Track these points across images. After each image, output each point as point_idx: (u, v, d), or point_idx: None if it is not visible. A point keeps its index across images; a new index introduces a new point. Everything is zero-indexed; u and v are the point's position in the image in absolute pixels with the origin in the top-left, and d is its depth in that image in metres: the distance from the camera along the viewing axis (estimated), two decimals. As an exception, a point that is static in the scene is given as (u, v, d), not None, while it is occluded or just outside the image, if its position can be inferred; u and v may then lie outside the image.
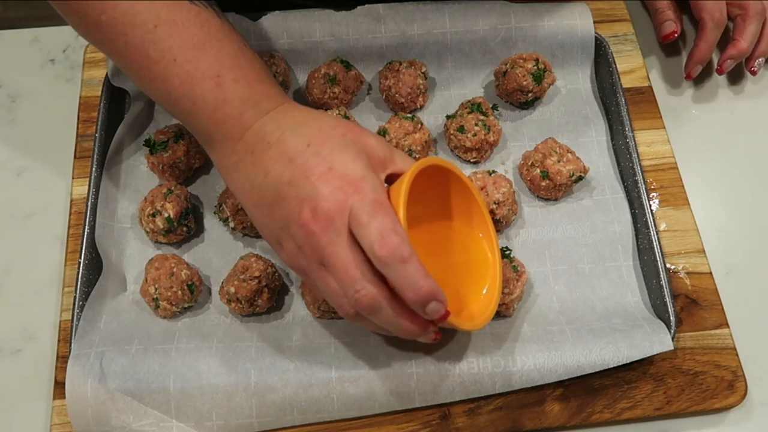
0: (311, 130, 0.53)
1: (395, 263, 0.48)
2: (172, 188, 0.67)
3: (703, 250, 0.69)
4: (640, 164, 0.70)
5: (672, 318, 0.63)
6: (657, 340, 0.60)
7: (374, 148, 0.53)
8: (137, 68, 0.56)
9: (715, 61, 0.81)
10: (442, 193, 0.61)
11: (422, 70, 0.74)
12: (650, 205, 0.68)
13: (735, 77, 0.81)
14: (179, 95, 0.55)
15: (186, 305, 0.64)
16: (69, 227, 0.69)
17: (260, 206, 0.53)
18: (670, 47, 0.83)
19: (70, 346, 0.61)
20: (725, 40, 0.79)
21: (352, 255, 0.49)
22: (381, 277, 0.50)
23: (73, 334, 0.62)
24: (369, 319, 0.52)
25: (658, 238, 0.66)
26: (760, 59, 0.79)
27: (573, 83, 0.78)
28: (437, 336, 0.54)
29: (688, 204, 0.71)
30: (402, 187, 0.51)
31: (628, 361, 0.60)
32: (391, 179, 0.54)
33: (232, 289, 0.62)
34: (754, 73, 0.80)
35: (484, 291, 0.59)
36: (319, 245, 0.50)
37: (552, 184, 0.69)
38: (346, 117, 0.71)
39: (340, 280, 0.50)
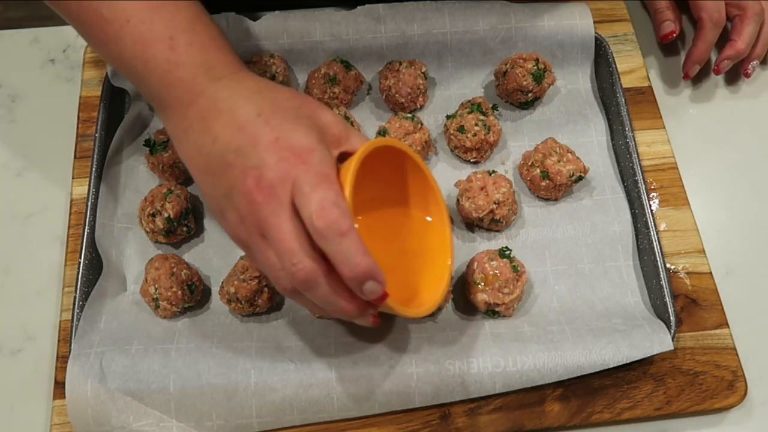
0: (264, 99, 0.52)
1: (333, 236, 0.46)
2: (172, 188, 0.67)
3: (703, 250, 0.69)
4: (640, 164, 0.70)
5: (672, 318, 0.63)
6: (657, 340, 0.60)
7: (329, 124, 0.53)
8: (91, 29, 0.55)
9: (714, 60, 0.81)
10: (401, 179, 0.60)
11: (422, 70, 0.74)
12: (650, 205, 0.68)
13: (735, 77, 0.81)
14: (131, 56, 0.53)
15: (186, 305, 0.64)
16: (69, 227, 0.69)
17: (206, 173, 0.52)
18: (669, 47, 0.83)
19: (70, 346, 0.61)
20: (723, 40, 0.79)
21: (293, 227, 0.48)
22: (321, 253, 0.48)
23: (73, 334, 0.62)
24: (306, 296, 0.50)
25: (658, 238, 0.66)
26: (754, 62, 0.79)
27: (573, 83, 0.78)
28: (375, 320, 0.53)
29: (688, 204, 0.71)
30: (352, 164, 0.50)
31: (628, 361, 0.60)
32: (345, 158, 0.53)
33: (232, 289, 0.62)
34: (747, 75, 0.80)
35: (434, 278, 0.58)
36: (260, 215, 0.48)
37: (552, 184, 0.69)
38: (346, 117, 0.71)
39: (278, 252, 0.48)
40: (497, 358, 0.60)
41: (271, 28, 0.75)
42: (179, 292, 0.63)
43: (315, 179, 0.47)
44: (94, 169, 0.69)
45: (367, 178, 0.53)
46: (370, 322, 0.53)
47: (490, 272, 0.63)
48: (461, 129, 0.71)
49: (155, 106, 0.56)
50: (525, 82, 0.73)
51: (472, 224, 0.70)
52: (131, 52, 0.54)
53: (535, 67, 0.73)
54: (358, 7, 0.76)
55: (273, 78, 0.73)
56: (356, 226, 0.48)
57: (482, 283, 0.63)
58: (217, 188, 0.51)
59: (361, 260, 0.47)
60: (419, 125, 0.71)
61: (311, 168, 0.48)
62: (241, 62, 0.56)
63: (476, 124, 0.70)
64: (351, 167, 0.50)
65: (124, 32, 0.53)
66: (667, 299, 0.63)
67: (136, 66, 0.54)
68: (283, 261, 0.48)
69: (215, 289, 0.66)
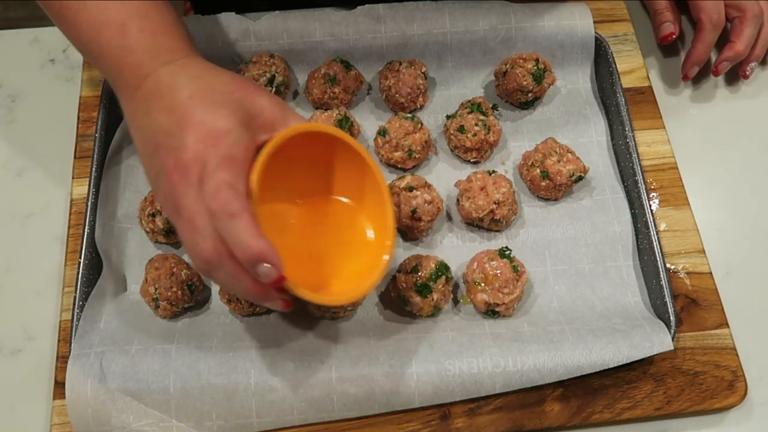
0: (201, 84, 0.53)
1: (224, 217, 0.48)
2: (172, 188, 0.67)
3: (703, 250, 0.69)
4: (640, 164, 0.70)
5: (672, 318, 0.63)
6: (657, 340, 0.60)
7: (262, 108, 0.53)
8: (53, 11, 0.58)
9: (713, 61, 0.81)
10: (344, 168, 0.59)
11: (422, 70, 0.74)
12: (650, 205, 0.68)
13: (735, 77, 0.81)
14: (87, 40, 0.56)
15: (186, 305, 0.64)
16: (69, 227, 0.69)
17: (145, 155, 0.54)
18: (669, 47, 0.83)
19: (70, 346, 0.61)
20: (722, 41, 0.79)
21: (201, 207, 0.49)
22: None
23: (73, 334, 0.62)
24: (213, 275, 0.51)
25: (658, 238, 0.66)
26: (752, 63, 0.79)
27: (573, 83, 0.78)
28: (287, 305, 0.53)
29: (688, 204, 0.71)
30: (266, 148, 0.51)
31: (628, 361, 0.60)
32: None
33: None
34: (746, 77, 0.80)
35: (368, 269, 0.58)
36: (175, 195, 0.50)
37: (552, 184, 0.69)
38: (346, 117, 0.71)
39: (189, 232, 0.50)
40: (497, 358, 0.60)
41: (271, 28, 0.75)
42: (179, 292, 0.63)
43: (220, 161, 0.49)
44: (94, 169, 0.69)
45: (302, 166, 0.53)
46: (281, 307, 0.53)
47: (490, 272, 0.63)
48: (461, 129, 0.71)
49: (114, 90, 0.58)
50: (525, 82, 0.73)
51: (472, 224, 0.70)
52: (87, 36, 0.56)
53: (535, 67, 0.73)
54: (358, 7, 0.76)
55: (273, 78, 0.73)
56: (256, 208, 0.48)
57: (482, 283, 0.63)
58: (152, 169, 0.53)
59: (253, 243, 0.47)
60: (419, 125, 0.71)
61: (220, 150, 0.49)
62: (191, 48, 0.58)
63: (476, 124, 0.71)
64: (264, 151, 0.51)
65: (80, 17, 0.56)
66: (667, 299, 0.63)
67: (92, 50, 0.57)
68: (192, 240, 0.50)
69: (215, 289, 0.66)
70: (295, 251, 0.56)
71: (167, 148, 0.51)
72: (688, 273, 0.68)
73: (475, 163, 0.74)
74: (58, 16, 0.58)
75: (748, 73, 0.79)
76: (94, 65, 0.59)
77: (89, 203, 0.67)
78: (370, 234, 0.60)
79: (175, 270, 0.63)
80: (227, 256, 0.49)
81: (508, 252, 0.65)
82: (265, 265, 0.48)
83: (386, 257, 0.57)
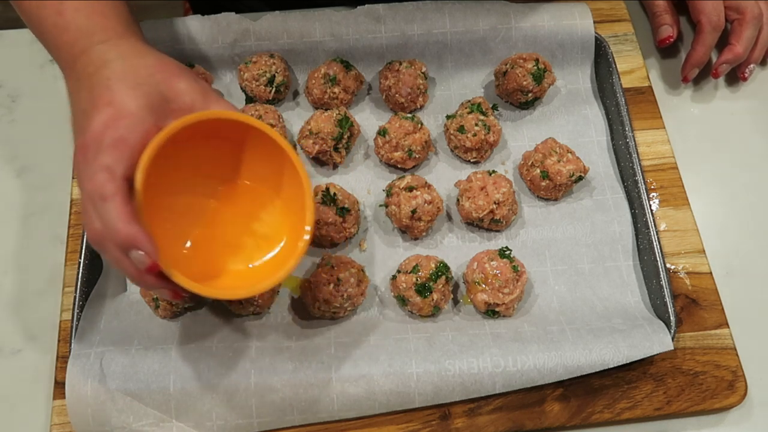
0: (124, 65, 0.54)
1: (96, 200, 0.48)
2: (172, 188, 0.67)
3: (703, 250, 0.69)
4: (640, 164, 0.70)
5: (672, 318, 0.63)
6: (657, 340, 0.60)
7: (180, 93, 0.54)
8: None
9: (713, 62, 0.81)
10: (261, 157, 0.58)
11: (422, 70, 0.74)
12: (650, 205, 0.68)
13: (735, 77, 0.81)
14: (28, 19, 0.59)
15: (186, 305, 0.64)
16: (69, 227, 0.69)
17: (74, 132, 0.56)
18: (670, 47, 0.83)
19: (70, 346, 0.61)
20: (722, 43, 0.79)
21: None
22: None
23: (73, 334, 0.62)
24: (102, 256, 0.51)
25: (658, 238, 0.66)
26: (751, 65, 0.79)
27: (573, 83, 0.78)
28: (175, 295, 0.52)
29: (688, 204, 0.71)
30: (159, 134, 0.50)
31: (628, 361, 0.60)
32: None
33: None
34: (744, 78, 0.80)
35: (277, 264, 0.56)
36: (78, 173, 0.51)
37: (552, 184, 0.69)
38: (346, 117, 0.71)
39: (83, 210, 0.50)
40: (497, 358, 0.60)
41: (271, 28, 0.75)
42: (179, 292, 0.63)
43: (109, 143, 0.49)
44: (94, 169, 0.69)
45: (224, 153, 0.54)
46: (169, 296, 0.53)
47: (490, 272, 0.63)
48: (461, 129, 0.71)
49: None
50: (525, 82, 0.73)
51: (472, 224, 0.70)
52: (28, 15, 0.58)
53: (535, 67, 0.73)
54: (358, 7, 0.76)
55: (273, 78, 0.73)
56: (142, 196, 0.49)
57: (482, 283, 0.63)
58: (75, 148, 0.53)
59: (122, 227, 0.48)
60: (419, 125, 0.71)
61: (115, 132, 0.50)
62: (127, 29, 0.58)
63: (476, 124, 0.70)
64: (155, 138, 0.50)
65: None
66: (667, 299, 0.63)
67: (34, 28, 0.59)
68: (83, 219, 0.51)
69: (215, 289, 0.66)
70: (208, 240, 0.57)
71: (81, 127, 0.52)
72: (688, 273, 0.68)
73: (475, 163, 0.74)
74: None
75: (746, 75, 0.80)
76: (45, 48, 0.60)
77: (89, 203, 0.67)
78: (287, 225, 0.58)
79: (175, 270, 0.63)
80: (108, 238, 0.49)
81: (508, 252, 0.65)
82: (138, 251, 0.48)
83: (297, 254, 0.55)
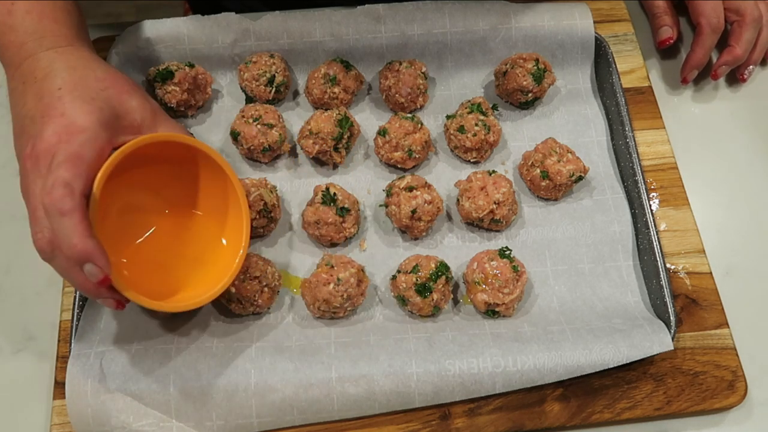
0: (74, 75, 0.54)
1: (54, 214, 0.49)
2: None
3: (703, 250, 0.69)
4: (640, 164, 0.70)
5: (672, 318, 0.63)
6: (657, 340, 0.61)
7: (131, 110, 0.54)
8: None
9: (713, 63, 0.81)
10: (206, 177, 0.61)
11: (422, 70, 0.74)
12: (650, 205, 0.68)
13: (735, 77, 0.81)
14: None
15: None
16: (69, 227, 0.69)
17: (14, 134, 0.55)
18: (670, 48, 0.83)
19: (70, 346, 0.61)
20: (721, 44, 0.79)
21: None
22: None
23: (73, 334, 0.62)
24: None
25: (658, 238, 0.66)
26: (751, 67, 0.79)
27: (573, 83, 0.78)
28: (118, 305, 0.54)
29: (688, 204, 0.71)
30: (115, 154, 0.52)
31: (628, 361, 0.60)
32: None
33: (233, 289, 0.62)
34: (743, 80, 0.80)
35: (211, 282, 0.60)
36: (26, 182, 0.51)
37: (552, 184, 0.69)
38: (346, 117, 0.71)
39: (31, 219, 0.51)
40: (497, 358, 0.60)
41: (271, 28, 0.75)
42: (179, 292, 0.63)
43: (65, 157, 0.50)
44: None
45: (172, 173, 0.56)
46: (113, 306, 0.54)
47: (490, 272, 0.63)
48: (461, 129, 0.71)
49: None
50: (525, 82, 0.73)
51: (472, 224, 0.70)
52: None
53: (535, 67, 0.73)
54: (358, 7, 0.76)
55: (273, 78, 0.73)
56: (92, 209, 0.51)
57: (482, 283, 0.63)
58: (16, 149, 0.54)
59: (78, 242, 0.48)
60: (419, 125, 0.71)
61: (70, 147, 0.50)
62: (78, 36, 0.59)
63: (476, 124, 0.70)
64: (112, 157, 0.52)
65: None
66: (667, 299, 0.63)
67: None
68: (31, 228, 0.51)
69: (215, 289, 0.66)
70: (150, 257, 0.60)
71: (28, 134, 0.52)
72: (688, 273, 0.68)
73: (475, 163, 0.74)
74: None
75: (746, 76, 0.80)
76: None
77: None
78: (226, 246, 0.62)
79: (174, 270, 0.63)
80: (60, 250, 0.50)
81: (508, 252, 0.65)
82: (92, 265, 0.49)
83: (230, 274, 0.60)
